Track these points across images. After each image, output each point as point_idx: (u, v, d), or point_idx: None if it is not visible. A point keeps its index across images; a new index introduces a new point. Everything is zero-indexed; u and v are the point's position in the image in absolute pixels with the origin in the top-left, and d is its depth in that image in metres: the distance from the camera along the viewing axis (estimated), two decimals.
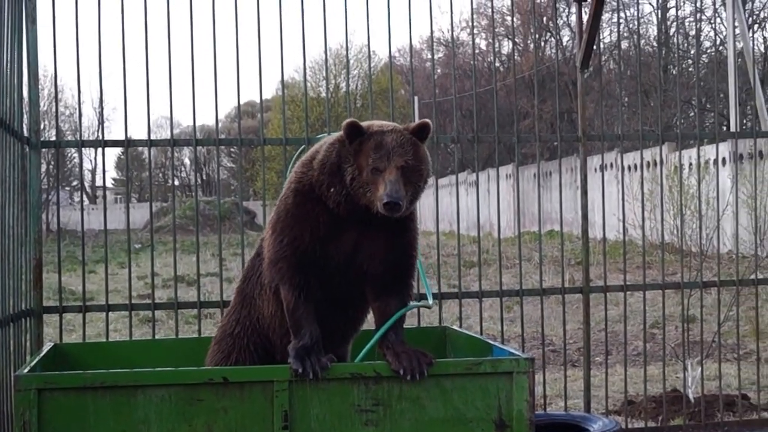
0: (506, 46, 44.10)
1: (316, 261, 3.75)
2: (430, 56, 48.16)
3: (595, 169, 22.12)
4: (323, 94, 44.24)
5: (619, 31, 12.32)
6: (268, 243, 3.88)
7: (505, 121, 36.07)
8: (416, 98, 38.13)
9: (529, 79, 40.24)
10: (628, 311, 7.06)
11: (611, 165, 22.31)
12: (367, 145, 3.64)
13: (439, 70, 44.77)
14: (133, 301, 6.00)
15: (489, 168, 29.53)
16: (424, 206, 34.80)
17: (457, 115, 7.04)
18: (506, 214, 27.09)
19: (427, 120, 3.79)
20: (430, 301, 4.14)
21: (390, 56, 7.01)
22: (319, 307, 3.79)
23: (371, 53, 6.47)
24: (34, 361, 3.93)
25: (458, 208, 6.73)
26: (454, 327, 4.98)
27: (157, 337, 6.77)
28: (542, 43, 43.08)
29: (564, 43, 41.89)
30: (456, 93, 6.76)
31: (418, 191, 3.70)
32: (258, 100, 6.60)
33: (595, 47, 6.71)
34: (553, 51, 43.71)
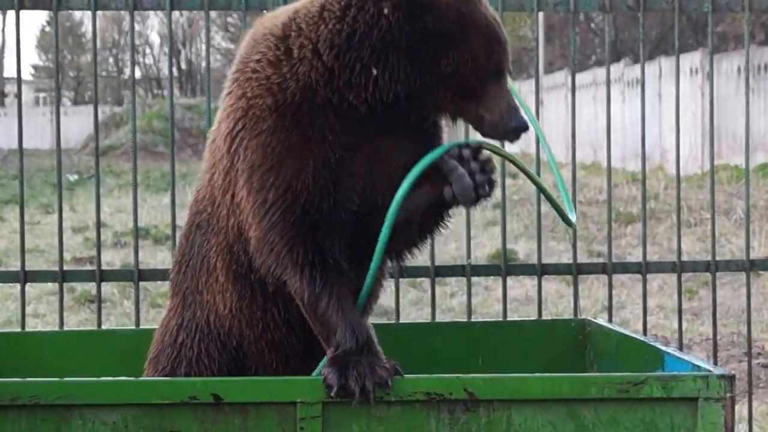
0: None
1: (331, 211, 3.82)
2: None
3: None
4: None
5: None
6: (243, 207, 3.94)
7: None
8: None
9: None
10: None
11: None
12: (474, 29, 3.76)
13: None
14: (65, 268, 6.09)
15: (662, 57, 29.27)
16: (549, 120, 34.84)
17: None
18: (690, 134, 26.83)
19: None
20: (573, 216, 4.24)
21: None
22: None
23: None
24: None
25: (609, 122, 6.69)
26: (600, 321, 4.99)
27: (104, 326, 6.88)
28: None
29: None
30: None
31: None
32: None
33: None
34: None
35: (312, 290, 3.77)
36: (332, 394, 3.57)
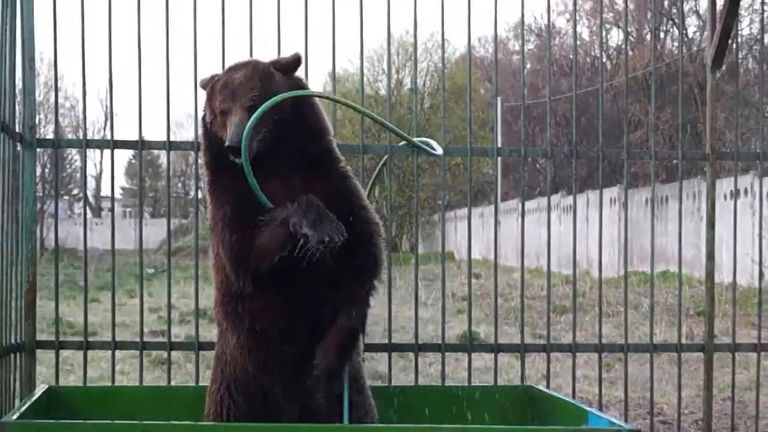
0: (615, 37, 43.89)
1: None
2: (518, 47, 48.17)
3: (725, 196, 21.89)
4: (383, 91, 44.48)
5: (762, 22, 12.19)
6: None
7: (612, 132, 35.87)
8: (499, 99, 38.15)
9: (643, 80, 39.99)
10: (762, 376, 6.98)
11: (746, 191, 22.06)
12: (215, 89, 3.91)
13: (529, 65, 44.70)
14: (144, 339, 6.10)
15: (589, 190, 29.38)
16: (504, 236, 34.93)
17: (550, 122, 7.05)
18: (610, 248, 26.80)
19: (299, 53, 4.04)
20: (439, 150, 4.21)
21: (469, 46, 7.02)
22: (284, 323, 3.88)
23: (444, 42, 6.50)
24: (25, 407, 4.00)
25: (549, 238, 6.73)
26: (540, 387, 4.98)
27: (173, 383, 6.86)
28: (662, 34, 42.82)
29: (690, 35, 41.59)
30: (550, 95, 6.76)
31: (281, 125, 3.87)
32: None
33: (730, 41, 6.67)
34: (676, 44, 43.41)
35: (243, 243, 3.82)
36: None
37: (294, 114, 3.94)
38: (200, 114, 4.12)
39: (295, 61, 4.03)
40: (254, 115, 3.73)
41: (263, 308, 3.90)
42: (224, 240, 3.87)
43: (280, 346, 3.92)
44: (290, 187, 3.89)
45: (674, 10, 40.49)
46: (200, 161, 4.75)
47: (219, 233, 3.91)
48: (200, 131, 4.14)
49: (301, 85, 4.06)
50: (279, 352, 3.93)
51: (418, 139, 4.92)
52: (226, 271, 3.91)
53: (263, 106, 3.75)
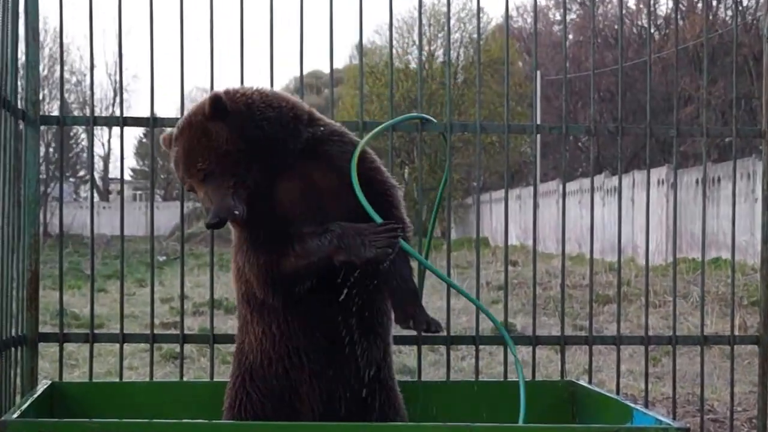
0: (664, 5, 43.70)
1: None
2: (559, 17, 47.97)
3: None
4: (413, 65, 44.41)
5: None
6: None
7: (660, 107, 35.74)
8: (539, 73, 38.02)
9: (694, 52, 39.77)
10: None
11: None
12: (172, 158, 4.04)
13: (571, 36, 44.56)
14: (155, 331, 6.11)
15: (635, 170, 29.27)
16: (543, 220, 34.85)
17: (594, 98, 7.01)
18: (657, 233, 26.78)
19: (217, 92, 4.00)
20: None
21: (506, 15, 6.99)
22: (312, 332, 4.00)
23: (480, 11, 6.47)
24: (26, 404, 4.01)
25: (592, 223, 6.69)
26: (582, 382, 4.96)
27: (185, 378, 6.87)
28: (714, 2, 42.56)
29: (744, 3, 41.32)
30: (594, 68, 6.72)
31: (247, 173, 3.89)
32: (327, 70, 6.65)
33: None
34: (730, 13, 43.16)
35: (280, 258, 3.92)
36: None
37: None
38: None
39: (215, 105, 3.92)
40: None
41: (296, 305, 4.01)
42: (251, 261, 3.99)
43: (312, 334, 4.02)
44: (307, 185, 4.00)
45: None
46: None
47: (245, 254, 4.03)
48: None
49: (253, 106, 4.03)
50: (310, 338, 4.03)
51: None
52: (252, 283, 4.05)
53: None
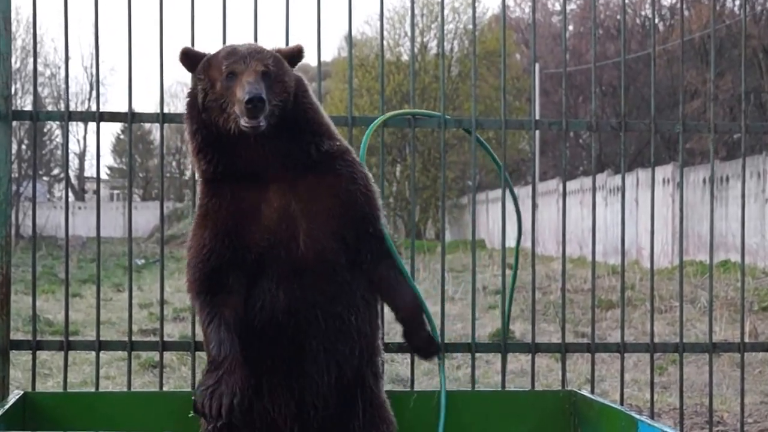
0: None
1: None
2: (559, 6, 48.06)
3: None
4: (405, 57, 44.48)
5: None
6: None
7: (665, 102, 35.80)
8: (537, 66, 38.07)
9: (701, 43, 39.86)
10: None
11: None
12: (217, 58, 3.97)
13: (571, 27, 44.65)
14: (133, 338, 6.09)
15: (639, 168, 29.33)
16: (542, 220, 34.91)
17: (595, 92, 7.02)
18: (662, 234, 26.80)
19: (302, 45, 4.20)
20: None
21: (503, 5, 6.99)
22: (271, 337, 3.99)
23: (475, 0, 6.48)
24: None
25: (594, 223, 6.70)
26: (584, 392, 4.97)
27: (165, 388, 6.86)
28: None
29: None
30: (595, 60, 6.72)
31: (284, 107, 3.97)
32: (314, 63, 6.65)
33: None
34: (738, 3, 43.25)
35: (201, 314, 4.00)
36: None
37: (294, 107, 4.07)
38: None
39: (298, 52, 4.18)
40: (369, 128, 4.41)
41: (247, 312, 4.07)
42: (190, 273, 4.10)
43: (272, 341, 4.03)
44: (291, 194, 4.04)
45: None
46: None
47: (190, 259, 4.12)
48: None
49: (303, 83, 4.18)
50: (270, 345, 4.04)
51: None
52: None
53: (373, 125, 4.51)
